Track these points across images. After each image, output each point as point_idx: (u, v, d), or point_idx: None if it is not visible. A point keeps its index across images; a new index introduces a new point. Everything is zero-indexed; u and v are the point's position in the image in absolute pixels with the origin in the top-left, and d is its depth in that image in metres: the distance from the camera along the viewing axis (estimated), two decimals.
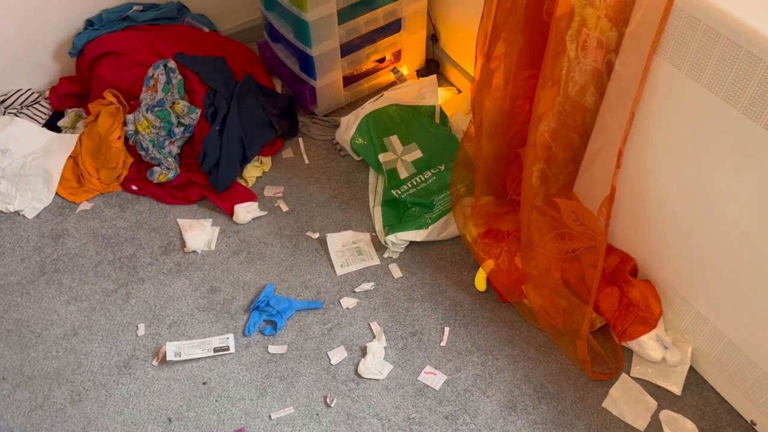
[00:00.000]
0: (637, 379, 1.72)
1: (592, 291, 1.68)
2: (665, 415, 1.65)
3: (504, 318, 1.86)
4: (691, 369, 1.72)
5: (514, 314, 1.87)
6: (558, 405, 1.68)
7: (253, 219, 2.13)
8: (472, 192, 1.95)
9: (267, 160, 2.29)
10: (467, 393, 1.71)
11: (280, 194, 2.20)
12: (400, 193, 2.07)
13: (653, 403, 1.67)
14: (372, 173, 2.23)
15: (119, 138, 2.15)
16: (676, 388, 1.69)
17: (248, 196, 2.17)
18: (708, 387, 1.70)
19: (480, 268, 1.89)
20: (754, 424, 1.61)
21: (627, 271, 1.75)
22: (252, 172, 2.23)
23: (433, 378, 1.74)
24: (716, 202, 1.43)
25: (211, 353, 1.79)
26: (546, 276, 1.75)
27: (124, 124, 2.15)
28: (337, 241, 2.04)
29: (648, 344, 1.71)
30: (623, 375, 1.72)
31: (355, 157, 2.28)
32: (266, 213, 2.15)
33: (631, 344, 1.74)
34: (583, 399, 1.69)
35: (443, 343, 1.81)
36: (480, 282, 1.89)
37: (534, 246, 1.75)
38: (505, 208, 1.93)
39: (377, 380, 1.74)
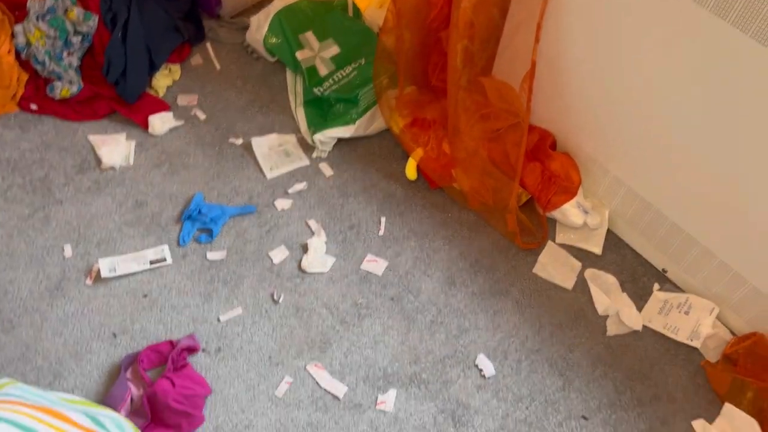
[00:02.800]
0: (562, 245, 1.88)
1: (518, 167, 1.80)
2: (589, 273, 1.83)
3: (436, 203, 1.96)
4: (609, 230, 1.89)
5: (446, 198, 1.96)
6: (493, 276, 1.82)
7: (171, 130, 2.07)
8: (396, 83, 1.99)
9: (176, 68, 2.21)
10: (408, 275, 1.81)
11: (195, 103, 2.15)
12: (322, 90, 2.08)
13: (578, 265, 1.85)
14: (289, 73, 2.21)
15: (9, 52, 1.99)
16: (597, 249, 1.87)
17: (161, 106, 2.10)
18: (624, 244, 1.89)
19: (409, 158, 1.96)
20: (666, 272, 1.82)
21: (547, 146, 1.87)
22: (162, 81, 2.15)
23: (375, 265, 1.82)
24: (629, 72, 1.55)
25: (148, 266, 1.78)
26: (474, 157, 1.84)
27: (13, 36, 1.99)
28: (263, 145, 2.04)
29: (570, 212, 1.86)
30: (549, 242, 1.88)
31: (270, 58, 2.25)
32: (183, 123, 2.10)
33: (555, 213, 1.88)
34: (515, 268, 1.84)
35: (381, 233, 1.89)
36: (411, 171, 1.96)
37: (461, 129, 1.83)
38: (429, 96, 1.99)
39: (322, 273, 1.81)
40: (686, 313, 1.75)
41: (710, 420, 1.60)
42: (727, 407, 1.61)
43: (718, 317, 1.73)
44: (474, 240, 1.89)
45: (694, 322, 1.73)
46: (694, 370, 1.68)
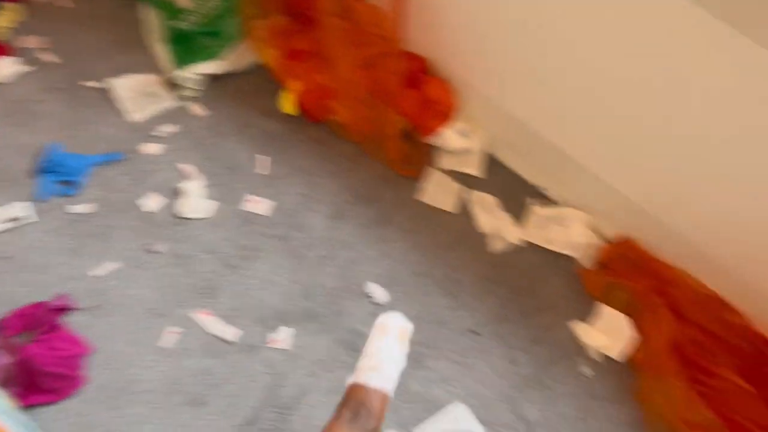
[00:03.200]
0: (443, 170, 1.90)
1: (394, 94, 1.78)
2: (470, 195, 1.87)
3: (317, 137, 1.92)
4: (488, 152, 1.94)
5: (326, 132, 1.93)
6: (378, 205, 1.82)
7: (18, 76, 1.87)
8: (264, 14, 1.89)
9: (14, 7, 1.98)
10: (294, 212, 1.78)
11: (45, 45, 1.95)
12: (183, 24, 1.94)
13: (459, 188, 1.88)
14: (146, 7, 2.04)
15: None
16: (477, 171, 1.91)
17: (2, 50, 1.89)
18: (503, 165, 1.94)
19: (286, 92, 1.89)
20: (542, 189, 1.90)
21: (422, 72, 1.87)
22: (0, 21, 1.93)
23: (259, 205, 1.77)
24: None
25: (6, 225, 1.63)
26: (350, 87, 1.81)
27: None
28: (125, 87, 1.90)
29: (449, 136, 1.88)
30: (431, 169, 1.90)
31: None
32: (32, 68, 1.90)
33: (434, 139, 1.90)
34: (399, 196, 1.85)
35: (263, 171, 1.83)
36: (288, 106, 1.90)
37: (336, 59, 1.78)
38: (300, 26, 1.91)
39: (202, 219, 1.73)
40: (562, 225, 1.84)
41: (588, 322, 1.71)
42: (602, 308, 1.72)
43: (591, 227, 1.83)
44: (358, 172, 1.87)
45: (570, 233, 1.82)
46: (571, 278, 1.77)
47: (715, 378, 1.61)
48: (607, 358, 1.67)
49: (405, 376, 1.53)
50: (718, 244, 1.59)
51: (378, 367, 0.97)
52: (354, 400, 0.94)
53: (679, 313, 1.69)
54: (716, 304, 1.68)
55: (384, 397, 0.96)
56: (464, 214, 1.85)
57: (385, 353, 0.98)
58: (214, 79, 1.94)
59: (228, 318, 1.60)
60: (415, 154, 1.90)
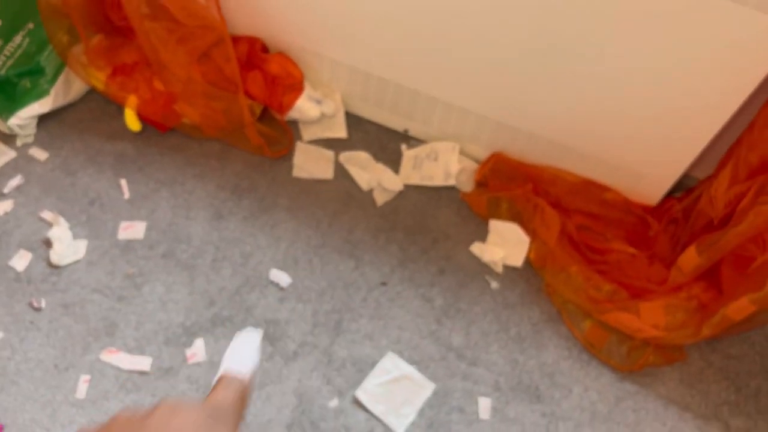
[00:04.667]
0: (310, 142, 1.92)
1: (237, 81, 1.77)
2: (343, 157, 1.91)
3: (173, 146, 1.88)
4: (346, 111, 1.97)
5: (181, 137, 1.89)
6: (256, 194, 1.82)
7: None
8: (78, 38, 1.82)
9: None
10: (172, 226, 1.75)
11: None
12: None
13: (330, 153, 1.91)
14: None
15: None
16: (342, 133, 1.95)
17: None
18: (364, 120, 1.98)
19: (126, 109, 1.84)
20: (407, 131, 1.96)
21: (258, 51, 1.86)
22: None
23: (133, 230, 1.73)
24: None
25: None
26: (189, 85, 1.78)
27: None
28: None
29: (304, 107, 1.90)
30: (298, 143, 1.91)
31: None
32: None
33: (292, 113, 1.91)
34: (275, 179, 1.86)
35: (126, 196, 1.78)
36: (132, 122, 1.85)
37: (165, 61, 1.75)
38: (120, 40, 1.86)
39: (78, 261, 1.67)
40: (435, 159, 1.91)
41: (483, 240, 1.80)
42: (492, 223, 1.82)
43: (461, 153, 1.91)
44: (225, 168, 1.86)
45: (444, 165, 1.90)
46: (457, 206, 1.86)
47: (608, 253, 1.75)
48: (510, 267, 1.77)
49: (330, 345, 1.57)
50: (576, 135, 1.71)
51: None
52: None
53: (560, 206, 1.81)
54: (591, 189, 1.81)
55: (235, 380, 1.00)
56: (343, 177, 1.88)
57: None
58: (48, 117, 1.86)
59: (137, 349, 1.57)
60: (277, 134, 1.90)
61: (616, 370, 1.66)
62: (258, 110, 1.90)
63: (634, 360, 1.65)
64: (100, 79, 1.84)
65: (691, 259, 1.54)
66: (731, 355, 1.72)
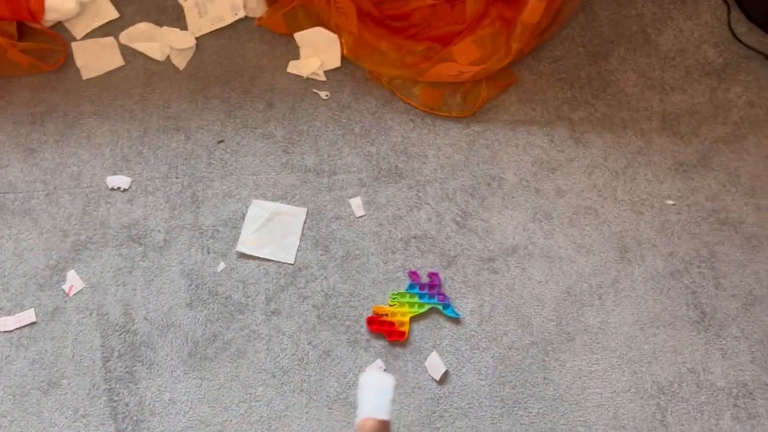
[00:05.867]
0: (85, 37, 1.80)
1: None
2: (124, 37, 1.80)
3: None
4: None
5: None
6: (57, 113, 1.74)
7: None
8: None
9: None
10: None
11: None
12: None
13: (110, 40, 1.81)
14: None
15: None
16: (113, 13, 1.83)
17: None
18: None
19: None
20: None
21: None
22: None
23: None
24: None
25: None
26: None
27: None
28: None
29: (56, 2, 1.75)
30: (73, 45, 1.80)
31: None
32: None
33: (49, 17, 1.78)
34: (68, 90, 1.76)
35: None
36: None
37: None
38: None
39: None
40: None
41: (297, 57, 1.78)
42: (297, 36, 1.79)
43: None
44: (13, 101, 1.76)
45: (228, 1, 1.81)
46: (259, 34, 1.81)
47: (411, 15, 1.75)
48: (331, 71, 1.77)
49: (195, 219, 1.58)
50: None
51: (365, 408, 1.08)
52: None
53: None
54: None
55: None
56: (134, 57, 1.80)
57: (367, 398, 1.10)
58: None
59: (16, 307, 1.57)
60: (47, 45, 1.77)
61: (460, 119, 1.74)
62: (12, 29, 1.74)
63: (472, 102, 1.73)
64: None
65: None
66: (557, 58, 1.81)
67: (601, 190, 1.67)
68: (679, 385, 1.49)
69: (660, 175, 1.69)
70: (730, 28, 1.84)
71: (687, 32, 1.84)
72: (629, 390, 1.49)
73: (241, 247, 1.62)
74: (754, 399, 1.47)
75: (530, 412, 1.47)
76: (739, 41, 1.82)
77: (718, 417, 1.46)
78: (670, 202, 1.66)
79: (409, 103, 1.75)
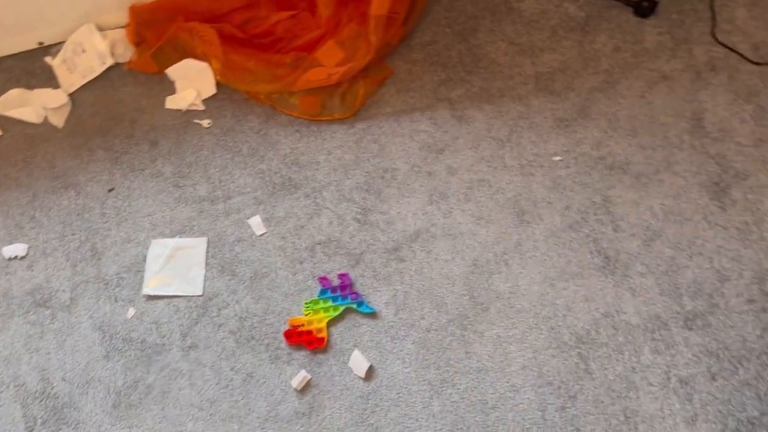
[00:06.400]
0: None
1: None
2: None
3: None
4: None
5: None
6: None
7: None
8: None
9: None
10: None
11: None
12: None
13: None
14: None
15: None
16: None
17: None
18: None
19: None
20: (43, 43, 1.84)
21: None
22: None
23: None
24: None
25: None
26: None
27: None
28: None
29: None
30: None
31: None
32: None
33: None
34: None
35: None
36: None
37: None
38: None
39: None
40: (83, 51, 1.84)
41: (171, 92, 1.79)
42: (169, 72, 1.80)
43: (100, 29, 1.83)
44: None
45: (94, 51, 1.82)
46: (132, 77, 1.82)
47: (274, 30, 1.78)
48: (209, 98, 1.79)
49: (99, 271, 1.58)
50: None
51: None
52: None
53: (214, 16, 1.80)
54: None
55: None
56: (11, 124, 1.80)
57: None
58: None
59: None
60: None
61: (344, 120, 1.76)
62: None
63: (352, 102, 1.76)
64: None
65: None
66: (427, 43, 1.85)
67: (490, 161, 1.71)
68: (596, 331, 1.52)
69: (543, 135, 1.73)
70: None
71: None
72: (549, 346, 1.51)
73: (147, 289, 1.61)
74: (669, 329, 1.51)
75: (459, 389, 1.48)
76: None
77: (638, 353, 1.49)
78: (557, 158, 1.70)
79: (291, 115, 1.77)
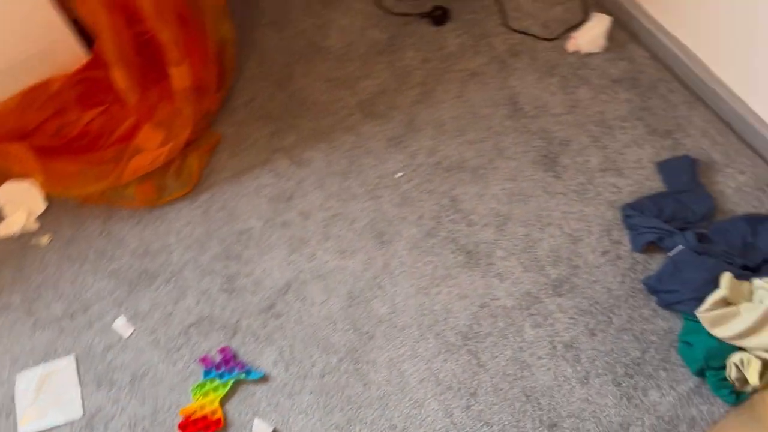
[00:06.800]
0: None
1: None
2: None
3: None
4: None
5: None
6: None
7: None
8: None
9: None
10: None
11: None
12: None
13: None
14: None
15: None
16: None
17: None
18: None
19: None
20: None
21: None
22: None
23: None
24: None
25: None
26: None
27: None
28: None
29: None
30: None
31: None
32: None
33: None
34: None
35: None
36: None
37: None
38: None
39: None
40: None
41: (0, 219, 1.71)
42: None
43: None
44: None
45: None
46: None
47: (88, 130, 1.75)
48: (42, 216, 1.73)
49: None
50: None
51: None
52: None
53: (24, 134, 1.75)
54: (34, 95, 1.75)
55: None
56: None
57: None
58: None
59: None
60: None
61: (185, 197, 1.75)
62: None
63: (188, 177, 1.75)
64: None
65: (118, 77, 1.59)
66: (248, 100, 1.89)
67: (338, 195, 1.74)
68: (477, 324, 1.56)
69: (380, 157, 1.79)
70: (381, 7, 2.01)
71: (348, 27, 1.99)
72: (439, 352, 1.54)
73: (23, 427, 1.51)
74: (542, 301, 1.58)
75: (366, 423, 1.48)
76: (393, 14, 1.99)
77: (521, 332, 1.55)
78: (399, 174, 1.76)
79: (131, 207, 1.74)
